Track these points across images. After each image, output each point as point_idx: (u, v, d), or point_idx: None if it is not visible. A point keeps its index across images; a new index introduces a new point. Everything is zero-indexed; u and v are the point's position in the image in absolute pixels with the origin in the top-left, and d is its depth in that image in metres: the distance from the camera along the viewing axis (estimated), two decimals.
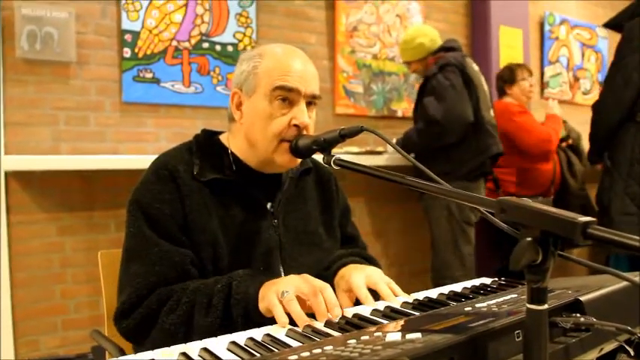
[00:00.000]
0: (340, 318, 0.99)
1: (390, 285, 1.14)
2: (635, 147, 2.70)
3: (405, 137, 3.04)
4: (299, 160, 1.29)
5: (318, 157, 1.18)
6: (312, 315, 0.98)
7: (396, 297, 1.11)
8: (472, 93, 2.94)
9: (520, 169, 3.36)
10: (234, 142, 1.31)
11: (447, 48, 3.06)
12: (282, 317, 0.97)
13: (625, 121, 2.74)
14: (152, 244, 1.16)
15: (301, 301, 0.99)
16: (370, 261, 1.37)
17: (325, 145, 1.14)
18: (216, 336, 0.90)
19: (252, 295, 1.05)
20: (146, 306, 1.12)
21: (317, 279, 1.06)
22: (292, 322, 0.97)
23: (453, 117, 2.82)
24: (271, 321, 0.98)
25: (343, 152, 2.98)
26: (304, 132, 1.22)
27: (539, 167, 3.41)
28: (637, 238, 0.60)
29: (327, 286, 1.03)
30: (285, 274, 1.25)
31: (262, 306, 1.03)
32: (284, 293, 0.99)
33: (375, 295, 1.12)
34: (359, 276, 1.16)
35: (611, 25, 2.98)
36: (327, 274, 1.26)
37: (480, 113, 2.95)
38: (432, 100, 2.86)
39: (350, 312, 1.03)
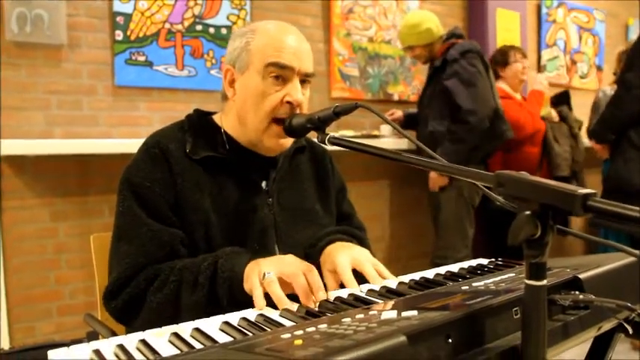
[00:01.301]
0: (335, 298, 0.97)
1: (376, 267, 1.11)
2: None
3: (446, 151, 2.88)
4: (288, 145, 1.27)
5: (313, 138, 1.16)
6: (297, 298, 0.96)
7: (383, 279, 1.08)
8: (490, 80, 3.02)
9: (505, 150, 3.33)
10: (226, 120, 1.29)
11: (457, 35, 3.10)
12: (259, 301, 0.95)
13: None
14: (141, 223, 1.15)
15: (285, 283, 0.97)
16: (359, 239, 1.32)
17: (319, 124, 1.12)
18: (203, 314, 0.89)
19: (238, 274, 1.04)
20: (134, 286, 1.11)
21: (303, 260, 1.04)
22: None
23: (484, 103, 2.89)
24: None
25: (339, 136, 2.95)
26: (297, 110, 1.20)
27: (524, 150, 3.38)
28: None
29: (313, 268, 1.00)
30: (281, 253, 1.24)
31: (246, 287, 1.01)
32: (265, 275, 0.97)
33: (361, 277, 1.09)
34: (344, 257, 1.12)
35: None
36: (313, 251, 1.23)
37: (495, 100, 3.02)
38: (457, 85, 2.86)
39: (345, 292, 1.01)
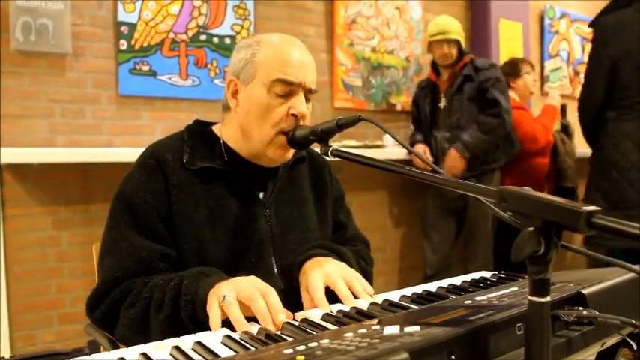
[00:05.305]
0: (338, 311, 0.97)
1: (351, 284, 1.08)
2: (606, 144, 2.80)
3: (472, 135, 3.01)
4: (290, 155, 1.26)
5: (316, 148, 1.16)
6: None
7: (356, 298, 1.05)
8: None
9: (517, 161, 3.32)
10: (226, 131, 1.29)
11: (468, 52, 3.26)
12: (214, 322, 0.93)
13: (599, 116, 2.85)
14: (124, 238, 1.16)
15: (246, 306, 0.95)
16: (339, 253, 1.26)
17: (323, 136, 1.12)
18: (171, 334, 0.87)
19: (200, 297, 1.01)
20: (110, 298, 1.12)
21: (263, 282, 1.01)
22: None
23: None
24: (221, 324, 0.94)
25: (341, 146, 2.96)
26: (301, 122, 1.20)
27: (535, 161, 3.38)
28: None
29: (272, 290, 0.98)
30: (277, 265, 1.24)
31: (207, 310, 0.98)
32: (225, 297, 0.95)
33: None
34: (317, 274, 1.09)
35: (593, 25, 3.01)
36: (293, 269, 1.21)
37: None
38: (496, 90, 3.03)
39: (348, 306, 1.01)
